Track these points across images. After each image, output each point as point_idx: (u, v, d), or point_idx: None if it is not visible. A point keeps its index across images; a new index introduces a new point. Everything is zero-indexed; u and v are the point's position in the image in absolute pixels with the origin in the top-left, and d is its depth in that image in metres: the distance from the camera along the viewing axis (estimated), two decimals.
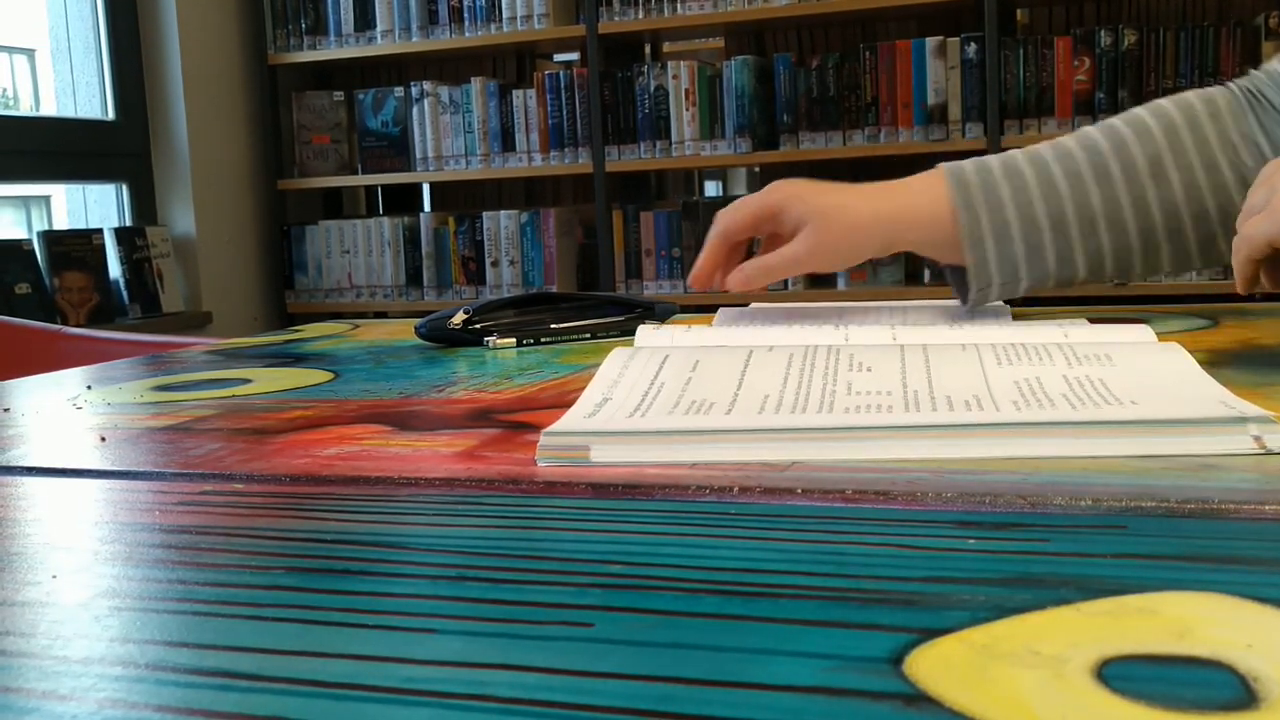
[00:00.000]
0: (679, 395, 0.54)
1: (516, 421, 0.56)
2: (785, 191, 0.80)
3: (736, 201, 0.83)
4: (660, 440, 0.47)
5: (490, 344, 0.82)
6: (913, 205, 0.79)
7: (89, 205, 2.95)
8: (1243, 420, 0.44)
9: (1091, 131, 0.80)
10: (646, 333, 0.76)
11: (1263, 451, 0.43)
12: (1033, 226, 0.77)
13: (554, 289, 2.88)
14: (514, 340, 0.82)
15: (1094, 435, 0.45)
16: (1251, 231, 0.60)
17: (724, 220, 0.82)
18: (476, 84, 2.93)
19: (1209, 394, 0.50)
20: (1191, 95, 0.82)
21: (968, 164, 0.79)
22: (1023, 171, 0.78)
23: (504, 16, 2.85)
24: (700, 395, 0.53)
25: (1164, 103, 0.81)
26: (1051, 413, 0.47)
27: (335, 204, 3.34)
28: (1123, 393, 0.50)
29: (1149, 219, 0.78)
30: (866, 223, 0.79)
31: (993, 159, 0.80)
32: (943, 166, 0.80)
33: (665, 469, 0.45)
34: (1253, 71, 0.83)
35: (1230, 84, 0.83)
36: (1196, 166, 0.78)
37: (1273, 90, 0.80)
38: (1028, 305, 0.92)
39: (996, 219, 0.78)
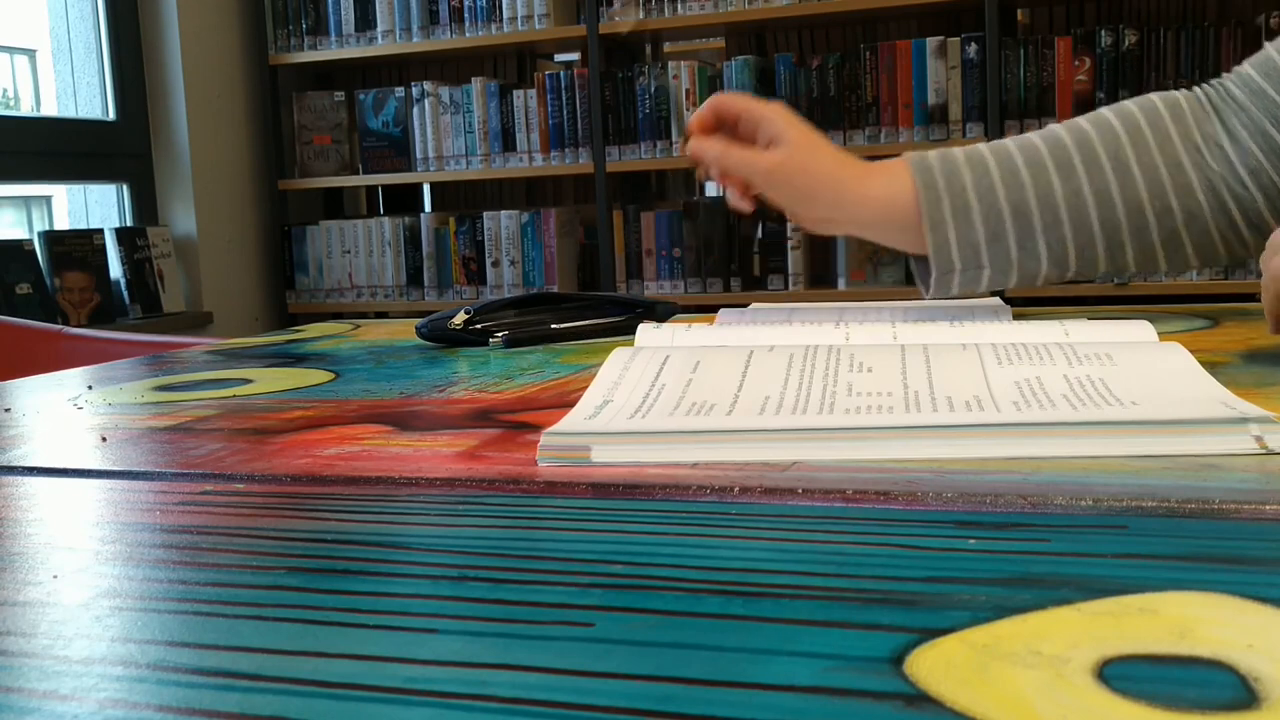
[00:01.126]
0: (680, 396, 0.54)
1: (517, 422, 0.56)
2: (782, 111, 0.81)
3: (737, 93, 0.84)
4: (661, 441, 0.47)
5: (504, 347, 0.82)
6: (872, 183, 0.80)
7: (90, 205, 2.95)
8: (1244, 420, 0.44)
9: (1056, 128, 0.81)
10: (647, 331, 0.76)
11: (1264, 451, 0.43)
12: (994, 212, 0.78)
13: (555, 289, 2.88)
14: (537, 346, 0.82)
15: (1095, 436, 0.45)
16: (1276, 267, 0.59)
17: (719, 98, 0.83)
18: (477, 84, 2.93)
19: (1210, 394, 0.50)
20: (1155, 96, 0.81)
21: (932, 153, 0.80)
22: (985, 160, 0.79)
23: (504, 17, 2.85)
24: (701, 397, 0.53)
25: (1128, 103, 0.81)
26: (1052, 413, 0.47)
27: (336, 204, 3.34)
28: (1124, 393, 0.50)
29: (1112, 212, 0.78)
30: (824, 177, 0.80)
31: (957, 150, 0.80)
32: (906, 155, 0.80)
33: (666, 469, 0.45)
34: (1223, 75, 0.82)
35: (1196, 88, 0.83)
36: (1160, 164, 0.78)
37: (1242, 91, 0.79)
38: (1028, 305, 0.92)
39: (958, 203, 0.78)
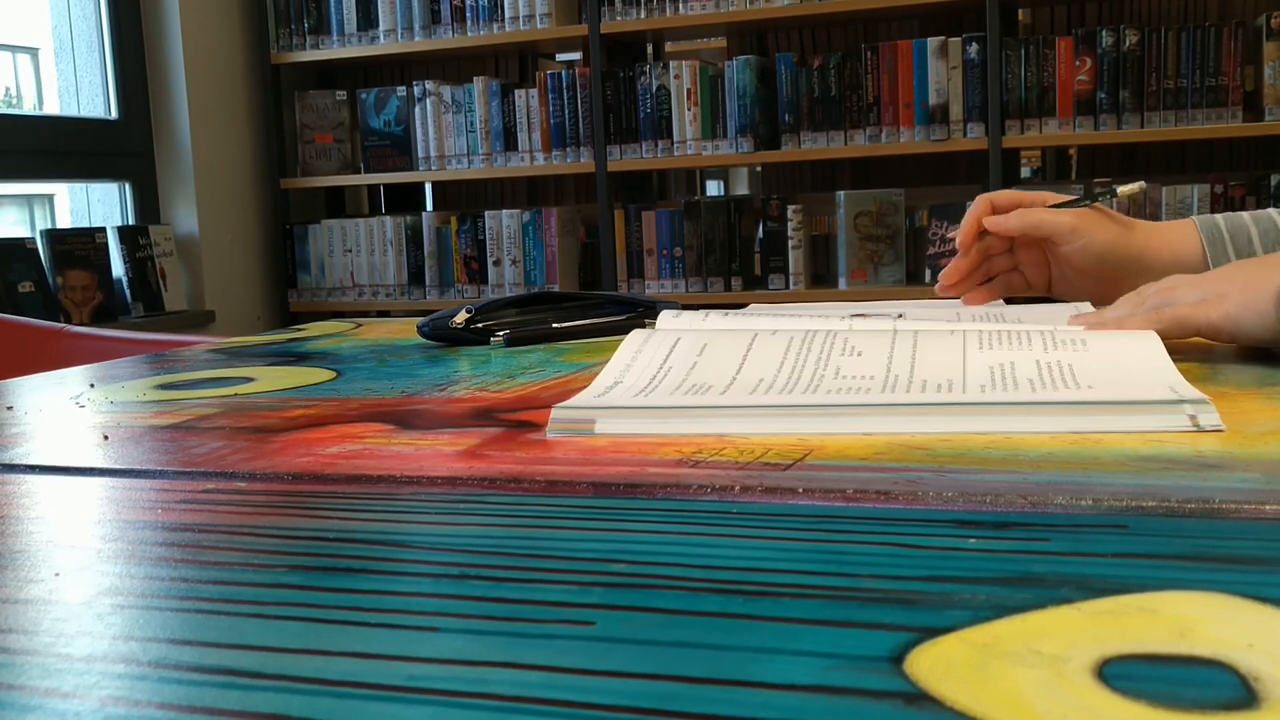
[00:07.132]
0: (683, 378, 0.58)
1: (518, 420, 0.56)
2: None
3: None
4: (657, 415, 0.52)
5: (505, 346, 0.82)
6: (1164, 234, 0.85)
7: (92, 204, 2.95)
8: (1180, 402, 0.48)
9: None
10: (668, 319, 0.78)
11: (1197, 429, 0.46)
12: None
13: (556, 288, 2.88)
14: (539, 345, 0.82)
15: (1045, 414, 0.49)
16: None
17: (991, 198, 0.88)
18: (479, 83, 2.93)
19: (1160, 379, 0.53)
20: None
21: (1218, 215, 0.85)
22: (1273, 218, 0.84)
23: (506, 16, 2.85)
24: (702, 379, 0.58)
25: None
26: (1013, 394, 0.51)
27: (338, 203, 3.34)
28: (1084, 377, 0.54)
29: None
30: (1117, 228, 0.84)
31: (1244, 213, 0.85)
32: (1192, 218, 0.86)
33: (667, 469, 0.45)
34: None
35: None
36: None
37: None
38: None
39: (1244, 253, 0.82)
